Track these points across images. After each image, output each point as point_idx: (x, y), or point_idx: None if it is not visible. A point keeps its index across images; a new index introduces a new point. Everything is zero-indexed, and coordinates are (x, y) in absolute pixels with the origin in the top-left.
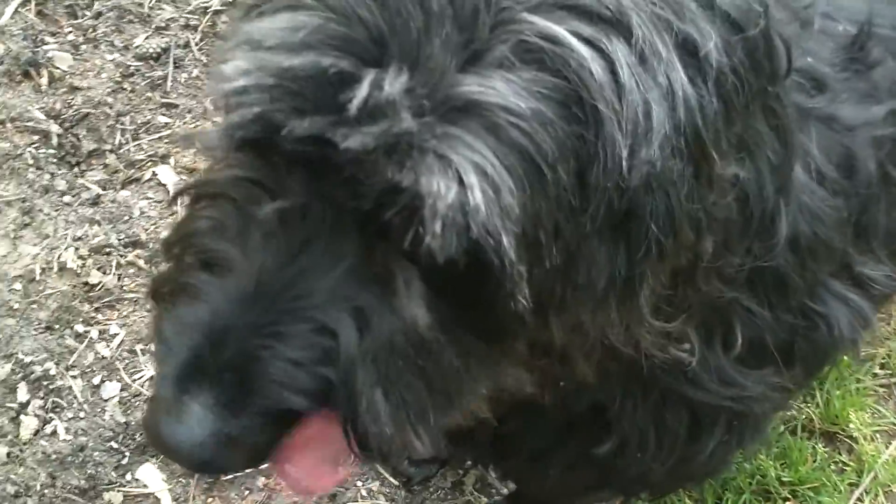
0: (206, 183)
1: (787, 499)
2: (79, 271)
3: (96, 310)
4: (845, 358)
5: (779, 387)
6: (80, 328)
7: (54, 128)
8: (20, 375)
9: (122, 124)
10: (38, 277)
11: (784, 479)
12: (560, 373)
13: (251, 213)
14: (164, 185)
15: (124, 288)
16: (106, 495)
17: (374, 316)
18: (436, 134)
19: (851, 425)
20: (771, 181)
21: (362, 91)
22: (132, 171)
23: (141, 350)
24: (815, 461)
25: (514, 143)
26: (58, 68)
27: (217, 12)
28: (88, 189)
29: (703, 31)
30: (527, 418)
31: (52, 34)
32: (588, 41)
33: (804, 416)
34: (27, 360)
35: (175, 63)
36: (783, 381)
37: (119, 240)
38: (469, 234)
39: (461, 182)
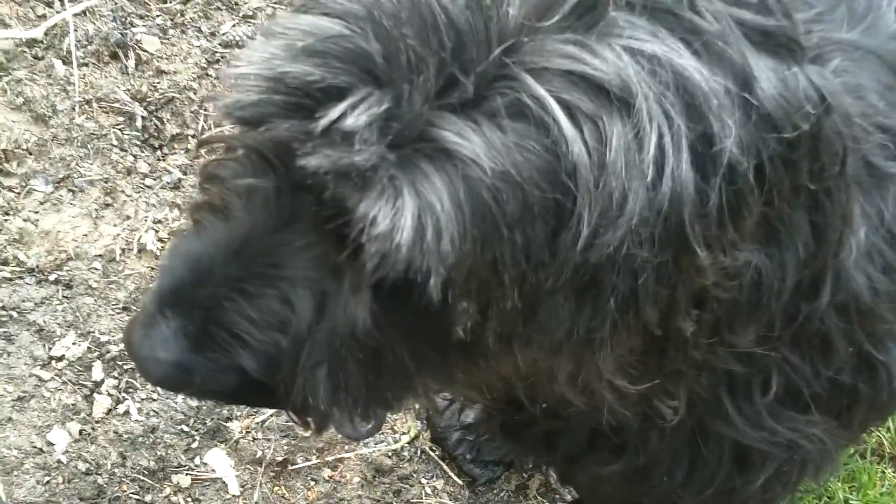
0: (235, 138)
1: None
2: (157, 253)
3: None
4: None
5: (813, 437)
6: None
7: (139, 110)
8: (96, 354)
9: (205, 110)
10: (117, 258)
11: (852, 501)
12: (529, 394)
13: (257, 181)
14: None
15: None
16: (174, 478)
17: (331, 304)
18: (397, 166)
19: None
20: (793, 274)
21: (331, 114)
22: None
23: None
24: (883, 485)
25: (476, 196)
26: (145, 51)
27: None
28: (170, 172)
29: (724, 125)
30: (565, 418)
31: (141, 17)
32: (584, 115)
33: (874, 441)
34: (103, 339)
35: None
36: (831, 428)
37: None
38: (396, 265)
39: (397, 215)
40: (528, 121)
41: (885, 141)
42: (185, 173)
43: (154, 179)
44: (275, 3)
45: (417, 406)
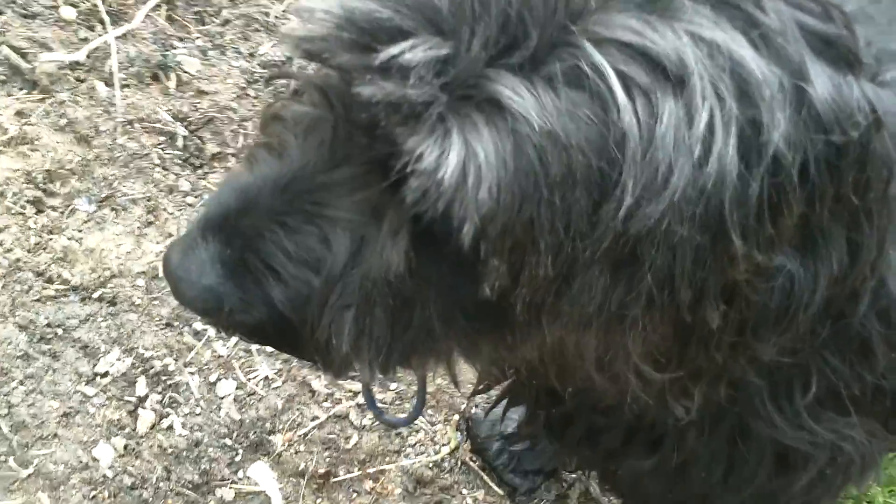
0: (298, 77)
1: None
2: None
3: None
4: None
5: (854, 439)
6: (198, 326)
7: (180, 130)
8: (140, 370)
9: (244, 129)
10: (160, 275)
11: None
12: (558, 375)
13: (317, 117)
14: None
15: None
16: (218, 491)
17: (368, 248)
18: (448, 108)
19: None
20: (824, 288)
21: (392, 50)
22: None
23: (256, 350)
24: None
25: (521, 152)
26: (186, 72)
27: None
28: (211, 190)
29: (774, 117)
30: (604, 413)
31: (181, 39)
32: (638, 88)
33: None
34: (147, 354)
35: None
36: (858, 433)
37: None
38: (437, 204)
39: (443, 155)
40: (584, 88)
41: None
42: None
43: (195, 197)
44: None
45: (448, 377)
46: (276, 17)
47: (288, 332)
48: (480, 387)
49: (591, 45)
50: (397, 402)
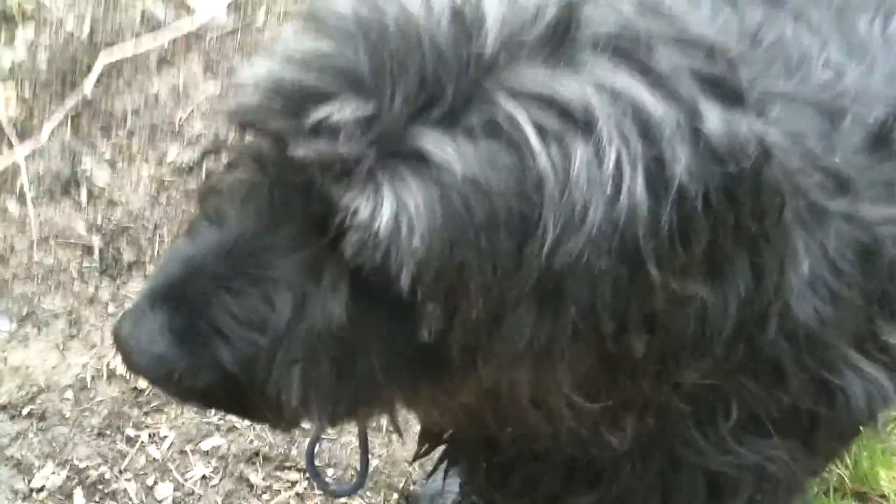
0: (232, 150)
1: None
2: (127, 377)
3: (146, 414)
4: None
5: (790, 458)
6: (131, 432)
7: (96, 241)
8: (75, 481)
9: (159, 235)
10: (88, 385)
11: None
12: (496, 417)
13: (254, 184)
14: None
15: None
16: None
17: (310, 304)
18: (377, 163)
19: (882, 483)
20: (735, 311)
21: (320, 112)
22: None
23: (191, 451)
24: None
25: (447, 200)
26: (96, 185)
27: None
28: (131, 298)
29: (675, 152)
30: (539, 458)
31: (89, 152)
32: (550, 135)
33: (835, 479)
34: (82, 465)
35: (206, 174)
36: (794, 451)
37: None
38: (374, 254)
39: (375, 207)
40: (500, 138)
41: (823, 181)
42: None
43: (116, 307)
44: (215, 130)
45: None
46: (181, 122)
47: (237, 393)
48: (422, 449)
49: (503, 97)
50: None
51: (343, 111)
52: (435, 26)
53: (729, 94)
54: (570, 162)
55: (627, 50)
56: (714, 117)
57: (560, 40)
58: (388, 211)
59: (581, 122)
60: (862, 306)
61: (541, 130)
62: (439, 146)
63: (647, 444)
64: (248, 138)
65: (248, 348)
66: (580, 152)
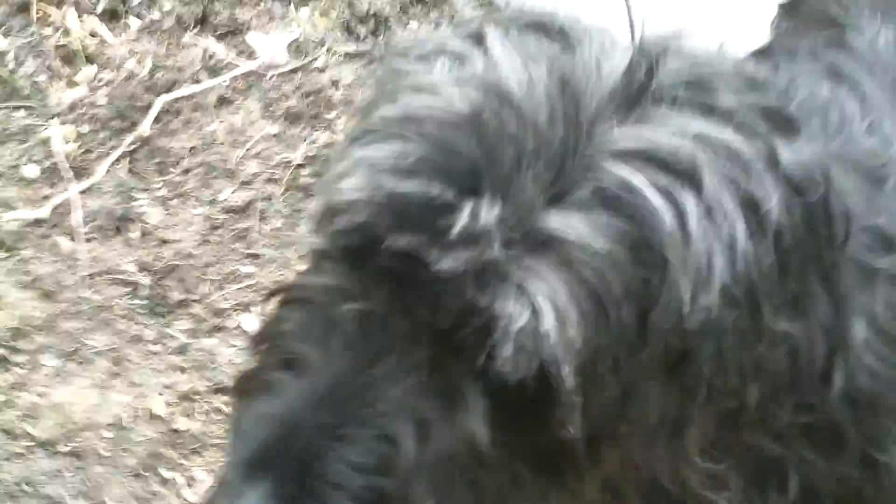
0: (297, 287)
1: None
2: (166, 418)
3: (183, 456)
4: None
5: None
6: (167, 474)
7: (144, 280)
8: None
9: (208, 275)
10: (126, 425)
11: None
12: None
13: (335, 319)
14: (249, 333)
15: (210, 434)
16: None
17: (435, 429)
18: (519, 262)
19: None
20: (822, 341)
21: (462, 219)
22: (218, 319)
23: None
24: None
25: (585, 281)
26: (148, 223)
27: (299, 166)
28: (175, 338)
29: (767, 189)
30: None
31: (143, 190)
32: (661, 191)
33: None
34: None
35: (259, 215)
36: None
37: (205, 387)
38: (538, 359)
39: (534, 309)
40: (614, 203)
41: (869, 241)
42: (190, 337)
43: (160, 346)
44: (273, 166)
45: None
46: (236, 162)
47: None
48: None
49: (608, 161)
50: None
51: (487, 213)
52: (542, 103)
53: (787, 123)
54: (685, 216)
55: (696, 94)
56: (785, 148)
57: (638, 96)
58: (548, 309)
59: (685, 173)
60: None
61: (655, 188)
62: (567, 226)
63: None
64: (333, 266)
65: (374, 496)
66: (692, 203)
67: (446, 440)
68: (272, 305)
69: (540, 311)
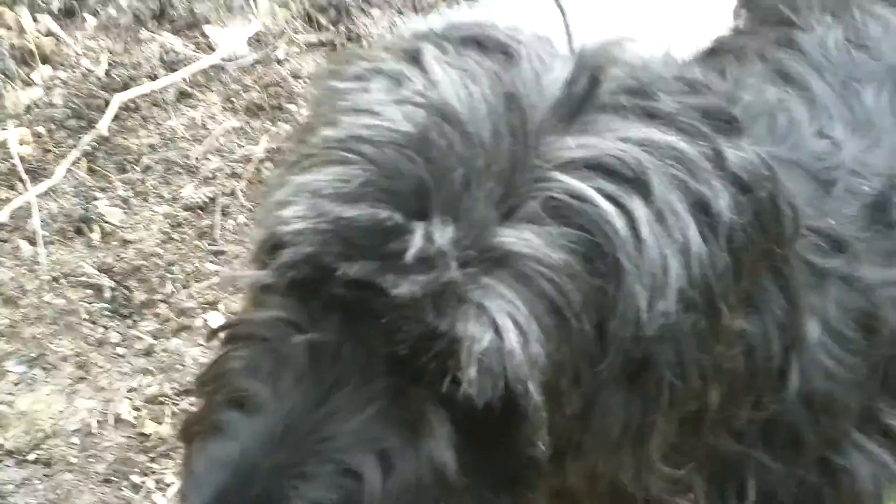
0: (241, 323)
1: None
2: (134, 422)
3: (152, 460)
4: None
5: None
6: (136, 479)
7: (106, 281)
8: None
9: (171, 274)
10: (94, 430)
11: None
12: None
13: (284, 354)
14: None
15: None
16: None
17: (398, 458)
18: (476, 282)
19: None
20: (777, 337)
21: (416, 242)
22: (183, 319)
23: None
24: None
25: (544, 294)
26: (108, 223)
27: (261, 160)
28: (141, 339)
29: (715, 190)
30: None
31: (103, 189)
32: (610, 198)
33: None
34: None
35: (222, 211)
36: None
37: (173, 389)
38: (504, 379)
39: (496, 328)
40: (568, 214)
41: (818, 241)
42: (156, 338)
43: (126, 348)
44: (234, 160)
45: None
46: (197, 158)
47: None
48: None
49: (554, 172)
50: None
51: (441, 235)
52: (486, 119)
53: (729, 124)
54: (636, 221)
55: (637, 100)
56: (728, 148)
57: (580, 105)
58: (510, 327)
59: (632, 179)
60: (865, 381)
61: (604, 195)
62: (521, 240)
63: None
64: (279, 299)
65: None
66: (641, 209)
67: (411, 469)
68: (216, 344)
69: (502, 329)
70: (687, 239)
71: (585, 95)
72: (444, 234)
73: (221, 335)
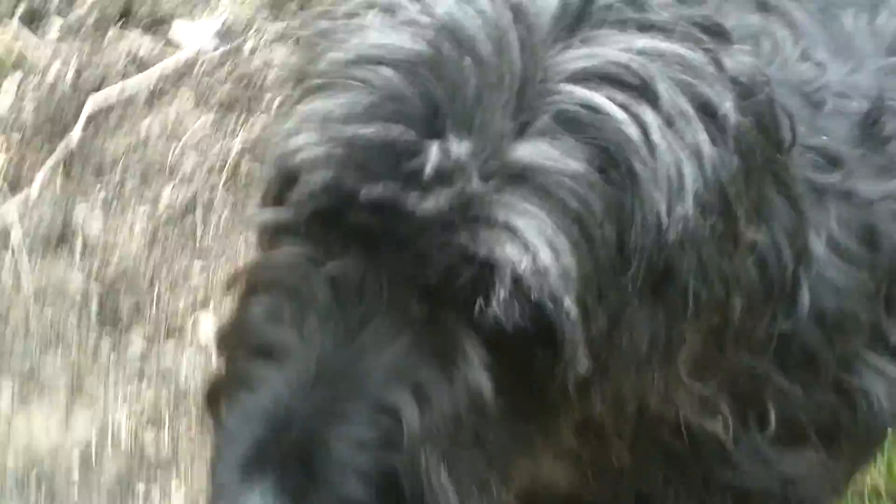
0: (258, 269)
1: None
2: (133, 433)
3: (154, 469)
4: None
5: (820, 467)
6: (141, 490)
7: (93, 292)
8: None
9: (159, 277)
10: (93, 445)
11: None
12: (596, 456)
13: (307, 294)
14: (208, 332)
15: (179, 442)
16: None
17: (434, 390)
18: (500, 199)
19: None
20: (787, 247)
21: (433, 156)
22: (174, 321)
23: None
24: None
25: (567, 207)
26: (90, 234)
27: (239, 153)
28: (133, 345)
29: (719, 93)
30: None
31: (82, 196)
32: (622, 106)
33: (870, 484)
34: None
35: (204, 209)
36: (823, 460)
37: (169, 396)
38: (531, 300)
39: (530, 248)
40: (580, 124)
41: (814, 159)
42: (148, 343)
43: (118, 358)
44: (212, 157)
45: None
46: (174, 157)
47: None
48: None
49: (563, 84)
50: None
51: (458, 149)
52: (493, 34)
53: (720, 33)
54: (647, 127)
55: (632, 13)
56: (725, 54)
57: (578, 19)
58: (542, 244)
59: (639, 87)
60: (873, 291)
61: (614, 103)
62: (539, 154)
63: (686, 465)
64: (295, 238)
65: (383, 472)
66: (651, 115)
67: (448, 400)
68: (231, 296)
69: (536, 248)
70: (698, 142)
71: (582, 9)
72: (461, 148)
73: (237, 287)
